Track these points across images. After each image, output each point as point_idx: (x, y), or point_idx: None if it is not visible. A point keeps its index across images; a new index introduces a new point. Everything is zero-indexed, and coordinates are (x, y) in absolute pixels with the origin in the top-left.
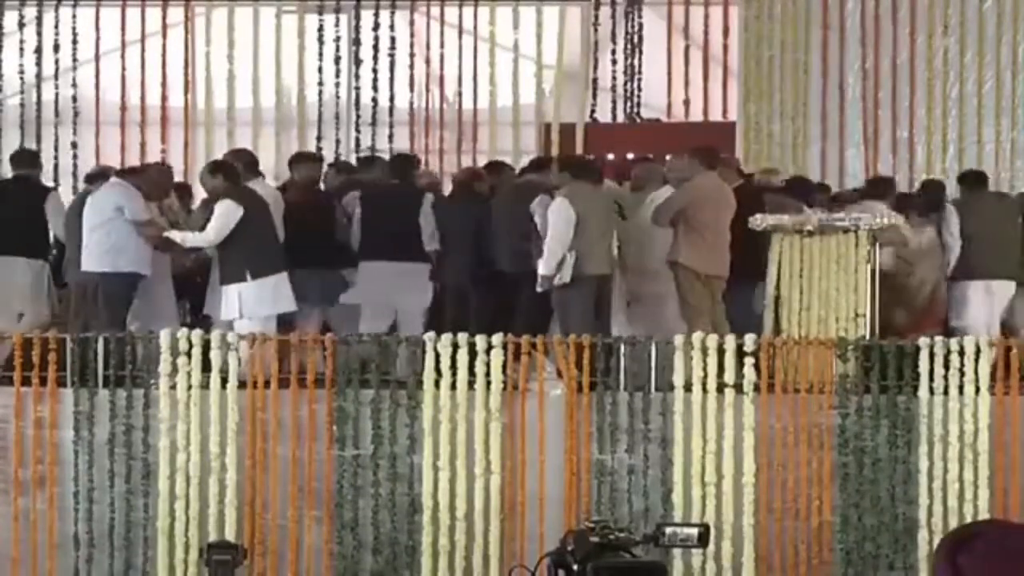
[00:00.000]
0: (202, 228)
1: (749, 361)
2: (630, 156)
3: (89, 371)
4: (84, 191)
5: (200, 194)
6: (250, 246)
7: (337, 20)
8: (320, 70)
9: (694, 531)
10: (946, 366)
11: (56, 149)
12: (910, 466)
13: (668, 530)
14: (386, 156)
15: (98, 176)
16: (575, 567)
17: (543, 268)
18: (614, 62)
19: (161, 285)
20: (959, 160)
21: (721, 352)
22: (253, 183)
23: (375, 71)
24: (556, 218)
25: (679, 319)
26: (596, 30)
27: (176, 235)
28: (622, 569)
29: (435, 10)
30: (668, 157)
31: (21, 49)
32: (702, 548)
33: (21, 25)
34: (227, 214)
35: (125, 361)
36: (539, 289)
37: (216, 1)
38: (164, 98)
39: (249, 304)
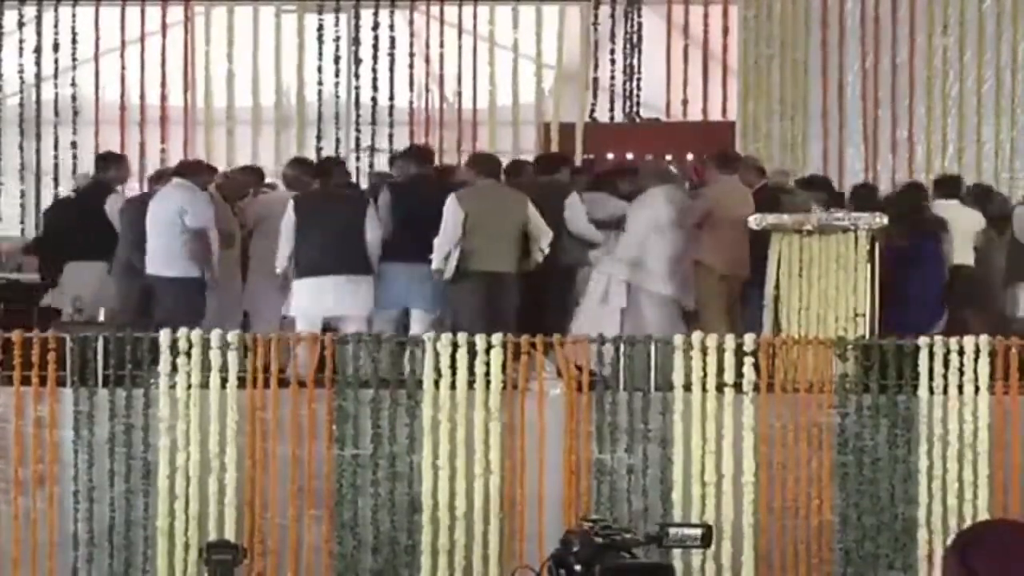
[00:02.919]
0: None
1: (749, 360)
2: (629, 155)
3: (89, 370)
4: (150, 191)
5: None
6: (299, 246)
7: (337, 19)
8: (320, 69)
9: (697, 531)
10: (946, 365)
11: (56, 149)
12: (910, 465)
13: (672, 531)
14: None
15: (163, 176)
16: (577, 568)
17: (432, 263)
18: (613, 61)
19: (228, 285)
20: (958, 159)
21: (721, 351)
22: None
23: (375, 70)
24: (445, 215)
25: (673, 319)
26: (595, 29)
27: (278, 264)
28: (631, 571)
29: (435, 9)
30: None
31: (20, 48)
32: (705, 548)
33: (20, 24)
34: (288, 213)
35: (125, 360)
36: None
37: (215, 0)
38: (164, 97)
39: (292, 302)
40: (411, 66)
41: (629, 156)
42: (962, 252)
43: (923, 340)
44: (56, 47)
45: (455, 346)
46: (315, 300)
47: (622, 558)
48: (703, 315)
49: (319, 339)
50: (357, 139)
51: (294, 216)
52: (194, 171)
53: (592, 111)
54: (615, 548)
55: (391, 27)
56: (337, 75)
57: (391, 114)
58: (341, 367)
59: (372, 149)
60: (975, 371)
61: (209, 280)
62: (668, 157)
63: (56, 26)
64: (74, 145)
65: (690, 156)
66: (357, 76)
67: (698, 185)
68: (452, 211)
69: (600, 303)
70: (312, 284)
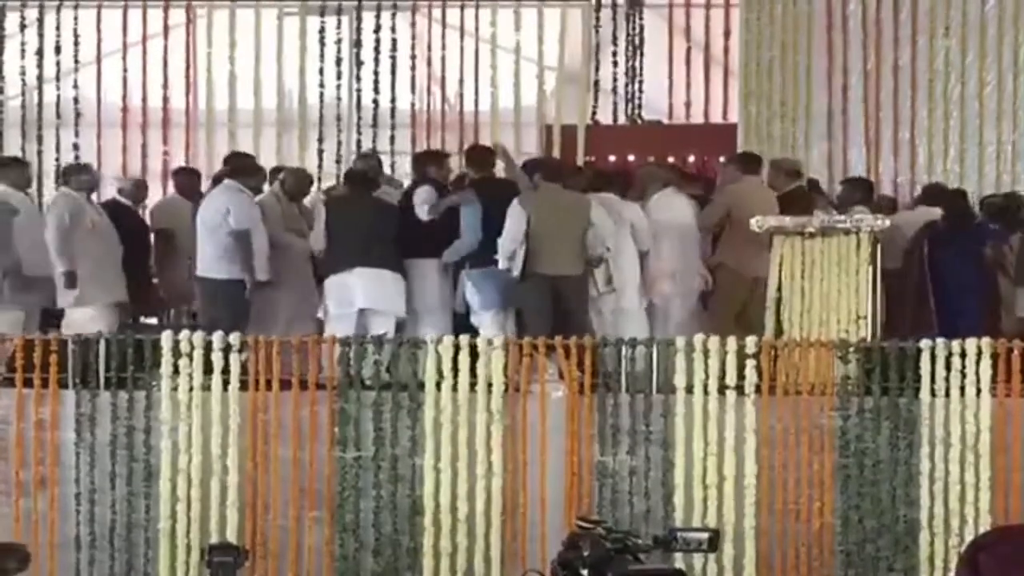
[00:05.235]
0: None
1: (750, 363)
2: (631, 158)
3: (90, 372)
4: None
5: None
6: (329, 246)
7: (339, 22)
8: (321, 72)
9: (704, 536)
10: (947, 368)
11: (58, 151)
12: (911, 468)
13: (680, 535)
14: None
15: (220, 178)
16: (584, 572)
17: (499, 263)
18: (615, 64)
19: (301, 284)
20: (960, 162)
21: (722, 354)
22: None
23: (376, 73)
24: (509, 217)
25: (691, 320)
26: (597, 32)
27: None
28: None
29: (436, 12)
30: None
31: (22, 51)
32: (712, 553)
33: (23, 27)
34: (319, 216)
35: (127, 362)
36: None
37: (218, 2)
38: (165, 100)
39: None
40: (413, 68)
41: (631, 158)
42: None
43: (925, 342)
44: (58, 49)
45: (457, 348)
46: (344, 295)
47: (631, 563)
48: (717, 318)
49: (320, 341)
50: (358, 141)
51: (324, 217)
52: (245, 173)
53: (594, 113)
54: (625, 553)
55: (393, 29)
56: (339, 77)
57: (393, 116)
58: (343, 369)
59: (374, 152)
60: (977, 373)
61: (249, 282)
62: (670, 159)
63: (58, 28)
64: (76, 147)
65: (691, 158)
66: (359, 78)
67: (706, 185)
68: (515, 213)
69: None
70: (341, 280)
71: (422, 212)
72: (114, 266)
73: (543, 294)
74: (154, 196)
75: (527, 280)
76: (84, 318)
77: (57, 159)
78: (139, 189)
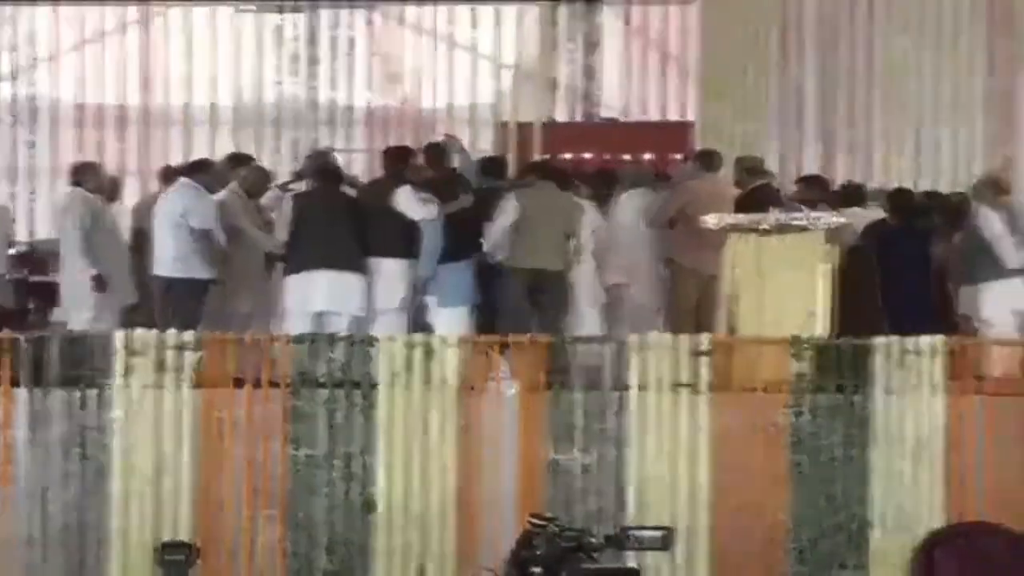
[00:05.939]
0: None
1: (704, 360)
2: (587, 155)
3: (43, 371)
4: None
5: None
6: (292, 243)
7: (295, 20)
8: (278, 69)
9: (658, 534)
10: (900, 365)
11: (13, 148)
12: (864, 465)
13: (633, 533)
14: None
15: (172, 175)
16: (537, 570)
17: (485, 246)
18: (572, 62)
19: (257, 283)
20: (916, 160)
21: (676, 351)
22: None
23: (333, 70)
24: (502, 208)
25: (651, 319)
26: (554, 29)
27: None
28: None
29: (393, 9)
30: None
31: None
32: (665, 551)
33: None
34: (284, 210)
35: (80, 361)
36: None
37: (174, 1)
38: (121, 97)
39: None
40: (369, 66)
41: (587, 155)
42: None
43: (878, 339)
44: (14, 48)
45: (410, 346)
46: (304, 296)
47: (583, 561)
48: (671, 315)
49: (274, 339)
50: (315, 139)
51: (290, 213)
52: (200, 171)
53: (550, 111)
54: (579, 551)
55: (350, 27)
56: (295, 75)
57: (350, 114)
58: (296, 367)
59: (331, 149)
60: (930, 371)
61: (219, 279)
62: (626, 157)
63: (14, 27)
64: (31, 145)
65: (647, 156)
66: (315, 76)
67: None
68: (508, 204)
69: (587, 305)
70: (304, 278)
71: (423, 213)
72: (126, 268)
73: (521, 289)
74: None
75: (505, 274)
76: (82, 320)
77: (14, 157)
78: (113, 187)
